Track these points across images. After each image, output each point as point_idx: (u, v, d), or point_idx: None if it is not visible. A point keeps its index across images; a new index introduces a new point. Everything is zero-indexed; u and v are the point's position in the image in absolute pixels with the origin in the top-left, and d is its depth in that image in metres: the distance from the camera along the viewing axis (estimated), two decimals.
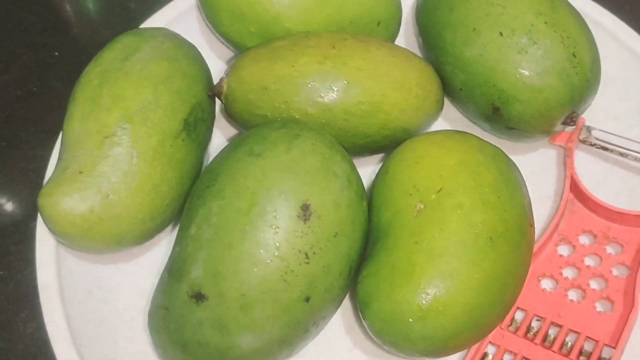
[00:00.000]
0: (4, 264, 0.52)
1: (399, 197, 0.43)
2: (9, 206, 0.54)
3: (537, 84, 0.46)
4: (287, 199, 0.39)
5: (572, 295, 0.47)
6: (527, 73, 0.46)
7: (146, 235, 0.45)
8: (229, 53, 0.56)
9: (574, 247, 0.49)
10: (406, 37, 0.57)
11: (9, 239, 0.53)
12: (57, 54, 0.60)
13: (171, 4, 0.55)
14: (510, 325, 0.46)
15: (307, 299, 0.39)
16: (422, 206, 0.41)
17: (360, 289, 0.42)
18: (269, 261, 0.38)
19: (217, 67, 0.54)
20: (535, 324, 0.46)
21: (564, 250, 0.49)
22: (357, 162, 0.48)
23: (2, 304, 0.50)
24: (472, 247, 0.40)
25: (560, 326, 0.45)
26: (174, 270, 0.41)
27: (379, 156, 0.53)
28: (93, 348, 0.45)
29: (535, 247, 0.47)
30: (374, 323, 0.41)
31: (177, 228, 0.48)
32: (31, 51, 0.60)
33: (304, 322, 0.40)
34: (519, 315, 0.46)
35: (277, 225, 0.38)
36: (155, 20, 0.54)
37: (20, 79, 0.59)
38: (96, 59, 0.47)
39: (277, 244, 0.38)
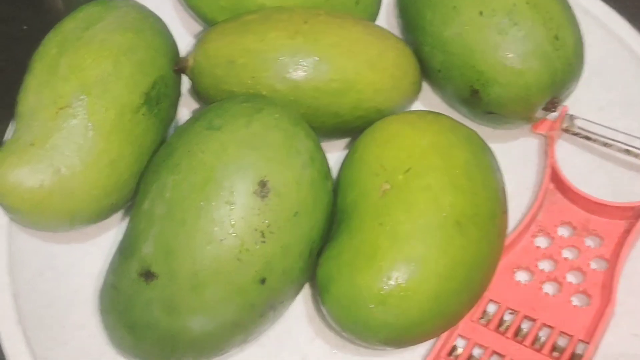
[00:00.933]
0: None
1: (366, 177, 0.41)
2: None
3: (518, 67, 0.44)
4: (245, 174, 0.37)
5: (548, 288, 0.45)
6: (508, 55, 0.44)
7: (101, 213, 0.43)
8: (200, 30, 0.54)
9: (552, 238, 0.46)
10: (387, 20, 0.55)
11: None
12: (25, 27, 0.59)
13: None
14: (482, 317, 0.44)
15: (263, 281, 0.37)
16: (388, 187, 0.39)
17: (320, 272, 0.40)
18: (222, 239, 0.36)
19: (188, 45, 0.53)
20: (508, 318, 0.44)
21: (541, 242, 0.47)
22: (328, 145, 0.46)
23: None
24: (439, 231, 0.38)
25: (533, 320, 0.43)
26: (124, 248, 0.39)
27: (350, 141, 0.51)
28: (41, 330, 0.43)
29: (511, 238, 0.45)
30: (333, 308, 0.39)
31: None
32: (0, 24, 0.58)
33: (259, 305, 0.38)
34: (491, 308, 0.44)
35: (233, 202, 0.37)
36: None
37: None
38: (56, 28, 0.45)
39: (233, 222, 0.36)
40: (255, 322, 0.38)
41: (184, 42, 0.51)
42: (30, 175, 0.40)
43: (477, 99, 0.46)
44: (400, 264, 0.37)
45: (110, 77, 0.42)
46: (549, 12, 0.45)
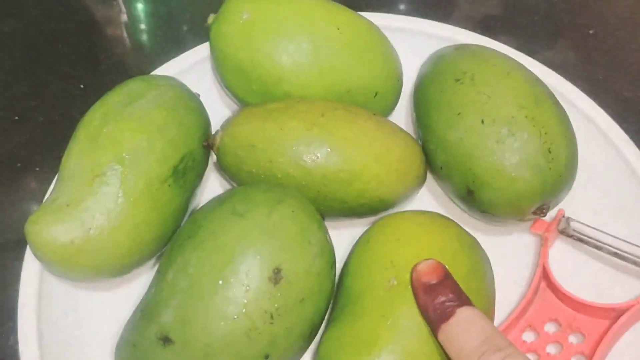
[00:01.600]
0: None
1: (375, 268, 0.45)
2: (15, 223, 0.58)
3: (510, 174, 0.48)
4: (262, 260, 0.41)
5: None
6: (502, 162, 0.48)
7: (123, 270, 0.48)
8: (235, 105, 0.59)
9: (538, 334, 0.50)
10: (406, 111, 0.60)
11: (10, 253, 0.56)
12: (82, 86, 0.64)
13: (189, 52, 0.59)
14: None
15: (267, 356, 0.41)
16: (395, 282, 0.44)
17: (321, 349, 0.44)
18: (235, 317, 0.40)
19: (223, 117, 0.57)
20: None
21: (528, 336, 0.50)
22: (334, 224, 0.50)
23: None
24: None
25: None
26: (147, 311, 0.43)
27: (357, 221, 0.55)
28: None
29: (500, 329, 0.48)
30: None
31: (156, 265, 0.52)
32: (60, 81, 0.64)
33: None
34: None
35: (248, 285, 0.41)
36: (171, 66, 0.58)
37: (45, 106, 0.63)
38: (102, 100, 0.50)
39: (245, 302, 0.41)
40: None
41: (221, 115, 0.56)
42: (63, 232, 0.45)
43: (472, 198, 0.50)
44: (396, 356, 0.41)
45: (143, 151, 0.47)
46: (545, 126, 0.49)
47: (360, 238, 0.49)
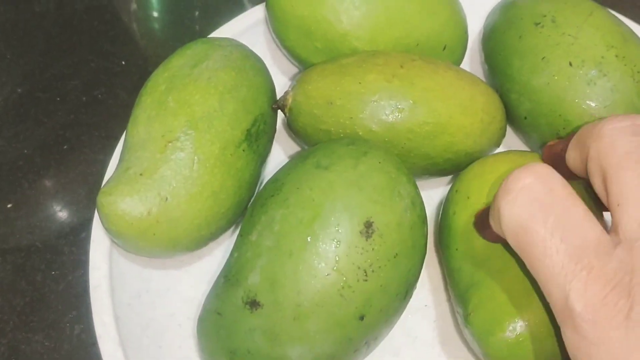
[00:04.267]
0: (57, 264, 0.52)
1: None
2: (66, 208, 0.55)
3: (604, 117, 0.45)
4: (352, 214, 0.39)
5: None
6: (595, 105, 0.45)
7: (200, 241, 0.45)
8: (292, 69, 0.56)
9: None
10: (470, 64, 0.57)
11: (64, 239, 0.53)
12: (124, 62, 0.61)
13: (239, 17, 0.55)
14: None
15: (362, 317, 0.38)
16: None
17: (475, 319, 0.41)
18: (327, 274, 0.38)
19: (280, 82, 0.55)
20: None
21: None
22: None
23: (52, 303, 0.51)
24: None
25: None
26: (231, 275, 0.41)
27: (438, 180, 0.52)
28: (139, 350, 0.45)
29: None
30: (501, 350, 0.40)
31: (229, 239, 0.49)
32: (99, 59, 0.61)
33: (356, 340, 0.39)
34: None
35: (338, 239, 0.38)
36: (222, 32, 0.54)
37: (87, 85, 0.60)
38: (165, 64, 0.47)
39: (337, 258, 0.38)
40: (349, 356, 0.40)
41: (278, 81, 0.53)
42: (139, 203, 0.42)
43: None
44: None
45: (215, 114, 0.44)
46: (637, 65, 0.46)
47: (452, 197, 0.46)
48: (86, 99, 0.59)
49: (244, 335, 0.39)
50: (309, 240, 0.38)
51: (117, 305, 0.45)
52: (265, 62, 0.50)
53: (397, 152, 0.46)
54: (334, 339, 0.38)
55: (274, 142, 0.50)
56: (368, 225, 0.38)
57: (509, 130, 0.52)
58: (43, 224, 0.54)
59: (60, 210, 0.55)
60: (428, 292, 0.48)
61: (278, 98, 0.49)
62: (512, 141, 0.53)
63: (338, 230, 0.38)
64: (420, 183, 0.48)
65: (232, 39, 0.50)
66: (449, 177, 0.52)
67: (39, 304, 0.50)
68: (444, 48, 0.52)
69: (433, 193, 0.52)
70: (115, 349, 0.43)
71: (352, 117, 0.46)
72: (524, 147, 0.53)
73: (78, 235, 0.53)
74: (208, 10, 0.64)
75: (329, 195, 0.39)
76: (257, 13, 0.55)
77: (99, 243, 0.46)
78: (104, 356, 0.43)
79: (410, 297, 0.42)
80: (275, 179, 0.43)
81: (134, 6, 0.65)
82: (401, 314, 0.42)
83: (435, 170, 0.48)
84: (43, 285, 0.51)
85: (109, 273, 0.46)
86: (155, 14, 0.65)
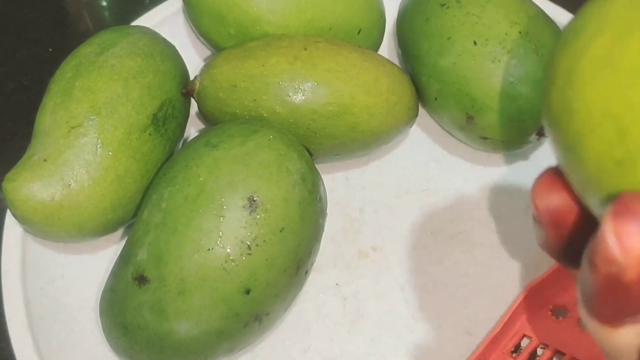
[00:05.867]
0: None
1: None
2: None
3: (511, 93, 0.46)
4: (235, 189, 0.39)
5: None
6: (501, 81, 0.46)
7: (107, 226, 0.46)
8: (210, 55, 0.56)
9: None
10: (389, 49, 0.57)
11: None
12: (51, 50, 0.62)
13: (159, 7, 0.56)
14: (514, 351, 0.45)
15: (248, 291, 0.39)
16: None
17: None
18: (210, 248, 0.38)
19: (198, 68, 0.55)
20: (539, 352, 0.45)
21: None
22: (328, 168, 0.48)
23: None
24: None
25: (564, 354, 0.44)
26: (124, 253, 0.41)
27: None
28: (51, 334, 0.45)
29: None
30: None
31: None
32: (28, 46, 0.62)
33: (243, 315, 0.39)
34: (524, 342, 0.46)
35: (222, 215, 0.39)
36: (142, 22, 0.55)
37: (15, 73, 0.60)
38: (74, 53, 0.48)
39: (220, 233, 0.38)
40: (240, 331, 0.40)
41: (196, 66, 0.54)
42: (42, 189, 0.42)
43: (472, 125, 0.48)
44: None
45: (119, 99, 0.45)
46: (541, 40, 0.46)
47: None
48: (13, 86, 0.60)
49: (134, 311, 0.39)
50: (192, 215, 0.39)
51: (30, 290, 0.46)
52: (185, 52, 0.51)
53: (303, 133, 0.46)
54: (219, 313, 0.39)
55: (191, 127, 0.51)
56: (251, 199, 0.39)
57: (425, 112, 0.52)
58: None
59: None
60: (339, 271, 0.49)
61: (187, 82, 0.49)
62: (426, 121, 0.53)
63: (221, 205, 0.39)
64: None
65: (144, 27, 0.50)
66: None
67: None
68: (359, 32, 0.52)
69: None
70: (24, 333, 0.44)
71: (255, 99, 0.46)
72: (439, 129, 0.53)
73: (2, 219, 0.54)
74: None
75: (214, 172, 0.40)
76: (177, 2, 0.56)
77: (11, 229, 0.47)
78: (13, 339, 0.44)
79: (307, 274, 0.43)
80: (171, 159, 0.44)
81: None
82: (296, 290, 0.43)
83: (343, 151, 0.48)
84: None
85: (22, 258, 0.46)
86: (91, 3, 0.66)
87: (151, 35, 0.49)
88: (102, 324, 0.42)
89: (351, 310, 0.48)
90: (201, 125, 0.54)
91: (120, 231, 0.48)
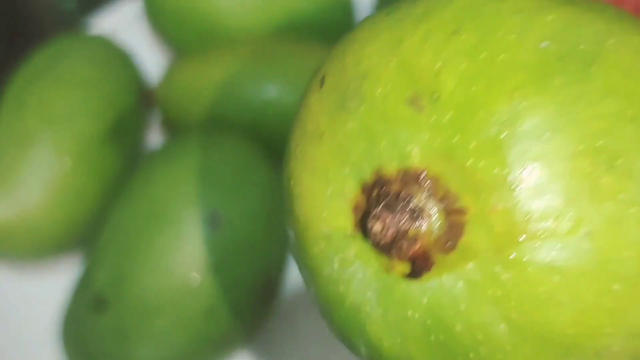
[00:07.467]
0: None
1: None
2: None
3: None
4: (196, 206, 0.37)
5: None
6: None
7: (67, 245, 0.44)
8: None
9: None
10: None
11: None
12: None
13: (117, 7, 0.54)
14: None
15: (210, 312, 0.37)
16: None
17: None
18: (172, 268, 0.37)
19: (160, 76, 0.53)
20: None
21: None
22: None
23: None
24: None
25: None
26: (82, 276, 0.40)
27: None
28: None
29: None
30: None
31: None
32: None
33: (210, 335, 0.38)
34: None
35: (183, 233, 0.37)
36: (98, 23, 0.53)
37: None
38: (26, 63, 0.46)
39: (183, 252, 0.37)
40: (205, 354, 0.38)
41: (157, 72, 0.52)
42: None
43: None
44: None
45: (74, 110, 0.43)
46: None
47: None
48: None
49: (95, 337, 0.38)
50: (153, 234, 0.37)
51: None
52: (146, 56, 0.49)
53: (270, 136, 0.44)
54: (183, 336, 0.37)
55: (154, 138, 0.49)
56: (214, 216, 0.37)
57: None
58: None
59: None
60: None
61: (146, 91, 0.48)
62: None
63: (182, 223, 0.37)
64: None
65: (98, 35, 0.49)
66: None
67: None
68: (327, 30, 0.50)
69: None
70: None
71: (220, 107, 0.44)
72: None
73: None
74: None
75: (175, 188, 0.38)
76: (135, 7, 0.54)
77: None
78: None
79: (275, 293, 0.41)
80: (130, 175, 0.42)
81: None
82: (262, 313, 0.41)
83: None
84: None
85: None
86: (45, 10, 0.63)
87: (106, 43, 0.47)
88: (64, 353, 0.40)
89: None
90: (163, 136, 0.52)
91: (80, 250, 0.46)
